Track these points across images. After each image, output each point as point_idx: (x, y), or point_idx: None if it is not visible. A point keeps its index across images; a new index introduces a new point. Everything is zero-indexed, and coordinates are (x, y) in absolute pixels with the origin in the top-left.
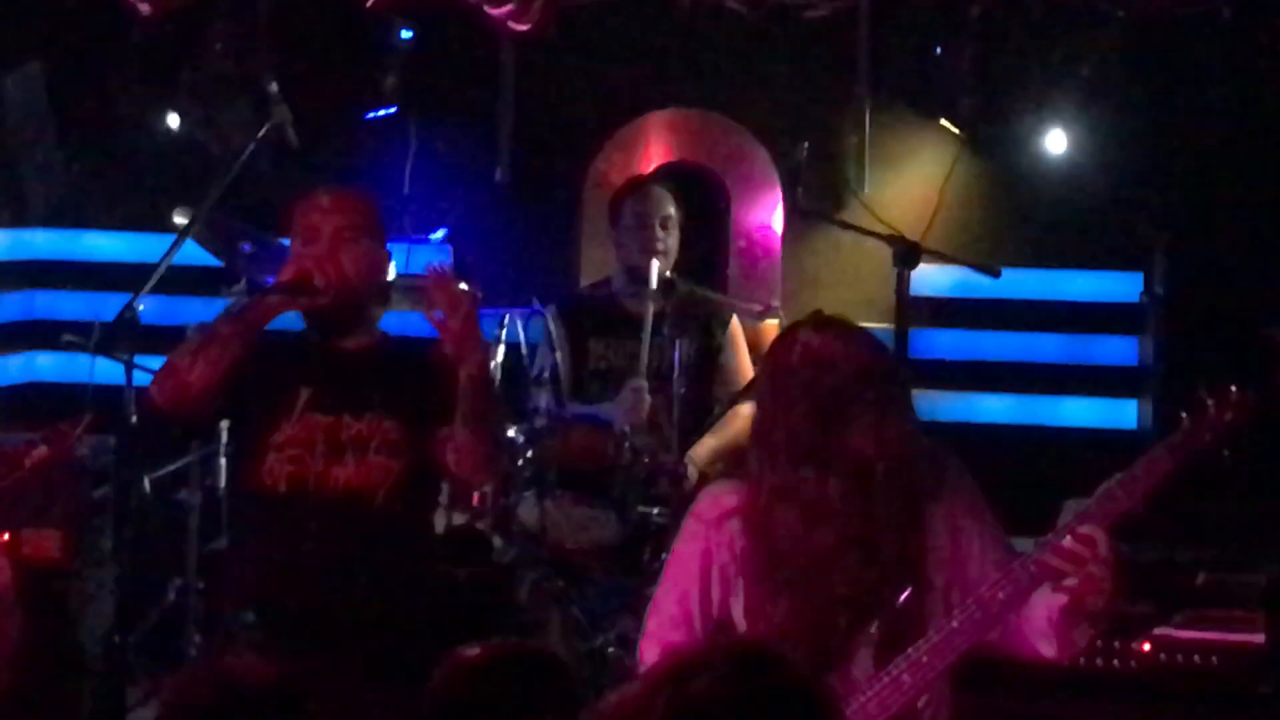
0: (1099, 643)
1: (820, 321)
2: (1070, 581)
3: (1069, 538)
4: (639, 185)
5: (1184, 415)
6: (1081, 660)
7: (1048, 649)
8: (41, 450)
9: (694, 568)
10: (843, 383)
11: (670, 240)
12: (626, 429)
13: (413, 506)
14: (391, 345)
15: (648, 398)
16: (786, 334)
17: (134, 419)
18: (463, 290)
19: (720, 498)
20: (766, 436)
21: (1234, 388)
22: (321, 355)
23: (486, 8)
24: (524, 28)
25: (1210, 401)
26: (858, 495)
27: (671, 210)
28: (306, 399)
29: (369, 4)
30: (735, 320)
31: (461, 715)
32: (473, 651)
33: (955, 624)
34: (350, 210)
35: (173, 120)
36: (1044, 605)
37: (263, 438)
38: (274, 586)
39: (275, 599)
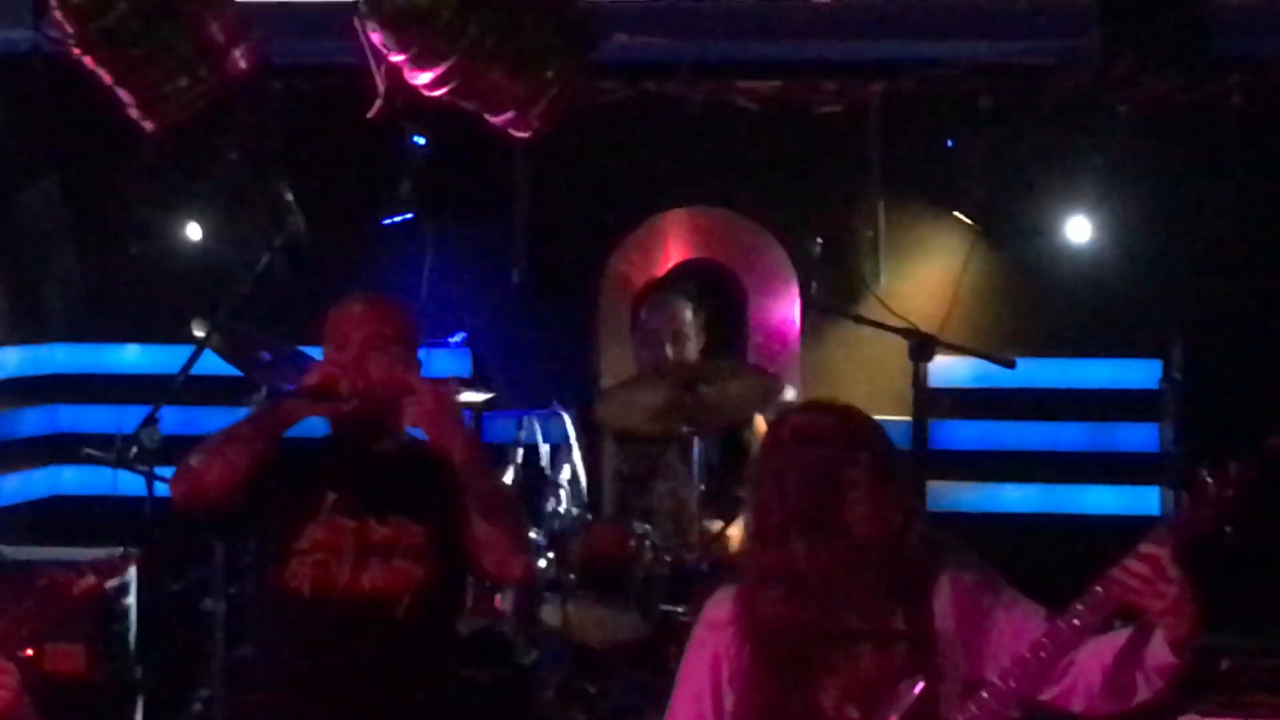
0: None
1: (810, 404)
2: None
3: (1137, 561)
4: (653, 294)
5: (1184, 494)
6: None
7: (1111, 700)
8: (90, 580)
9: (704, 676)
10: (833, 454)
11: (685, 350)
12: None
13: (436, 613)
14: (419, 449)
15: None
16: (779, 418)
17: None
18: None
19: (725, 602)
20: (758, 519)
21: (1232, 466)
22: (348, 458)
23: (487, 115)
24: (525, 134)
25: (1210, 480)
26: (853, 570)
27: (686, 319)
28: (333, 502)
29: (370, 114)
30: (759, 417)
31: None
32: None
33: (978, 706)
34: (382, 319)
35: (190, 231)
36: (1101, 654)
37: (287, 542)
38: (295, 693)
39: (296, 705)
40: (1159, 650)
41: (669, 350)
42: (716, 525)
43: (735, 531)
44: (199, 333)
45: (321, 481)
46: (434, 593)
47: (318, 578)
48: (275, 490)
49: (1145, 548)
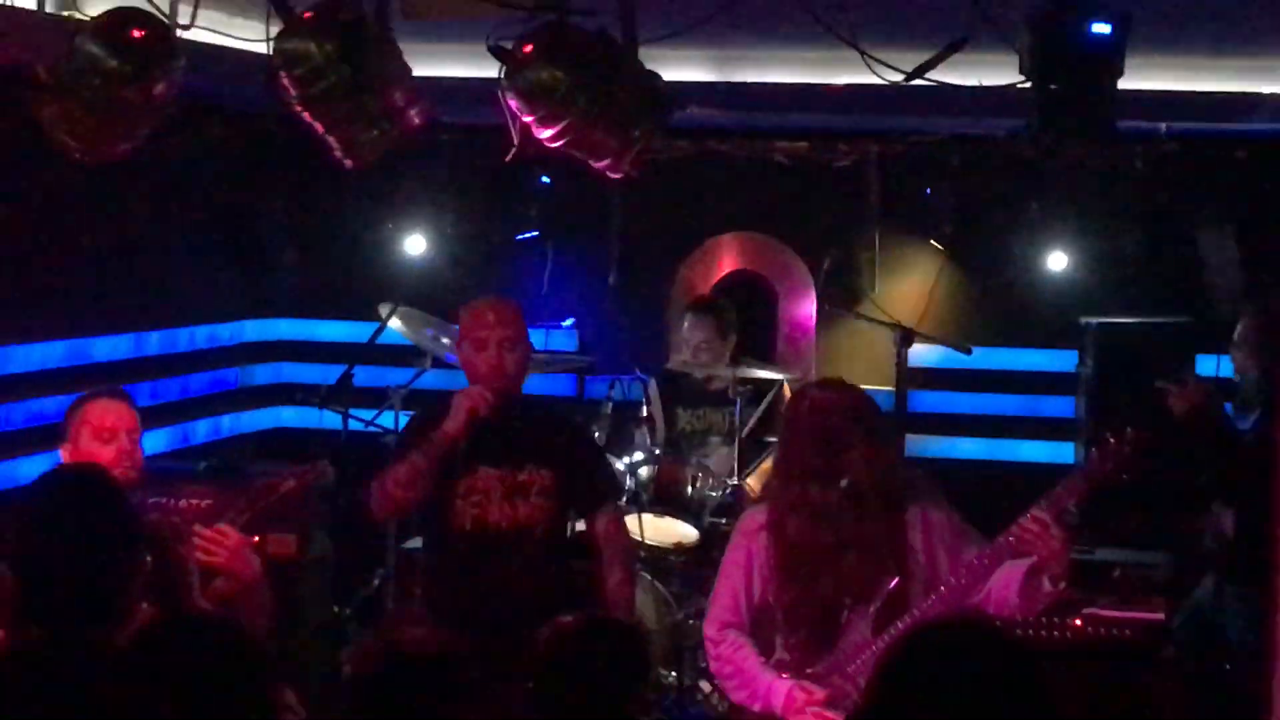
0: (1043, 619)
1: (823, 381)
2: (1032, 555)
3: (1028, 521)
4: (689, 311)
5: (1092, 450)
6: (1031, 632)
7: (1015, 608)
8: (290, 483)
9: (738, 571)
10: (838, 422)
11: (709, 353)
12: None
13: (559, 536)
14: (538, 410)
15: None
16: (799, 392)
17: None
18: None
19: (756, 516)
20: (784, 465)
21: (1128, 430)
22: (491, 425)
23: (590, 162)
24: (618, 176)
25: (1111, 440)
26: (852, 504)
27: (706, 336)
28: (480, 456)
29: (507, 159)
30: (787, 386)
31: (560, 667)
32: (570, 619)
33: (934, 598)
34: (508, 323)
35: (379, 238)
36: (1011, 576)
37: (449, 488)
38: (462, 600)
39: (462, 609)
40: (1045, 582)
41: (701, 357)
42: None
43: (754, 481)
44: (384, 313)
45: (473, 443)
46: (559, 521)
47: (476, 515)
48: None
49: (1036, 513)
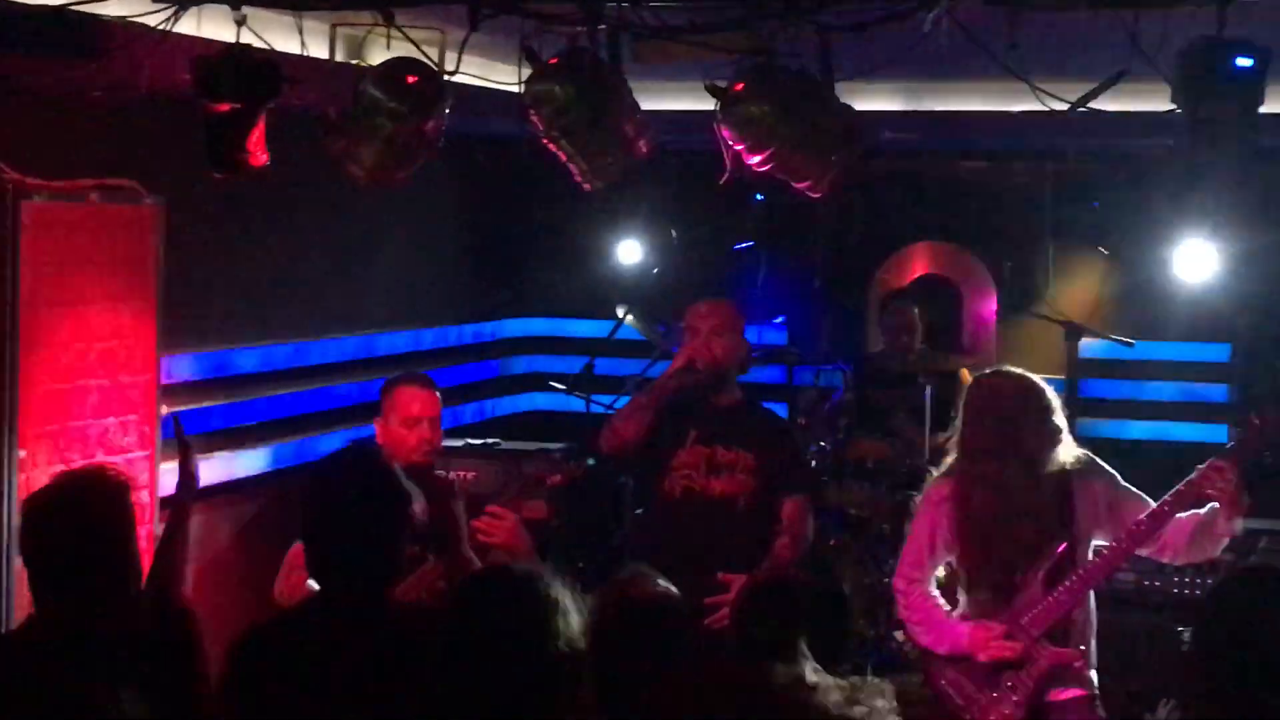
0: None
1: (996, 370)
2: (1211, 503)
3: (1209, 467)
4: (888, 304)
5: (1238, 430)
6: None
7: (1188, 554)
8: (558, 477)
9: (924, 534)
10: (1010, 405)
11: (908, 340)
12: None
13: (760, 508)
14: (750, 404)
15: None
16: (976, 380)
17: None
18: None
19: (940, 487)
20: (965, 443)
21: (1270, 413)
22: (703, 407)
23: (792, 183)
24: (817, 195)
25: (1256, 421)
26: (1026, 476)
27: (906, 322)
28: (693, 436)
29: (722, 180)
30: (965, 372)
31: (770, 613)
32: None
33: (1096, 561)
34: (719, 315)
35: (616, 250)
36: (1181, 527)
37: (665, 461)
38: (670, 559)
39: (672, 564)
40: (1222, 525)
41: (896, 341)
42: (940, 438)
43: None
44: (620, 312)
45: (685, 422)
46: (759, 495)
47: (685, 486)
48: (658, 429)
49: (1216, 461)
